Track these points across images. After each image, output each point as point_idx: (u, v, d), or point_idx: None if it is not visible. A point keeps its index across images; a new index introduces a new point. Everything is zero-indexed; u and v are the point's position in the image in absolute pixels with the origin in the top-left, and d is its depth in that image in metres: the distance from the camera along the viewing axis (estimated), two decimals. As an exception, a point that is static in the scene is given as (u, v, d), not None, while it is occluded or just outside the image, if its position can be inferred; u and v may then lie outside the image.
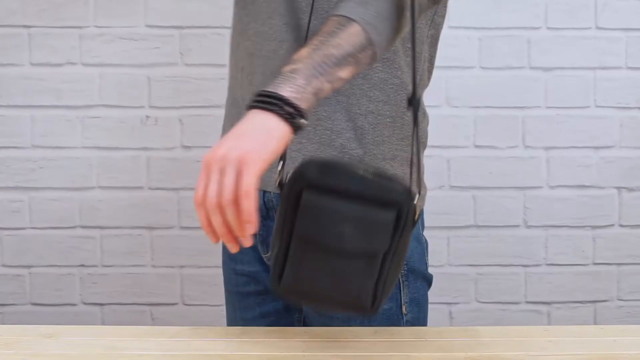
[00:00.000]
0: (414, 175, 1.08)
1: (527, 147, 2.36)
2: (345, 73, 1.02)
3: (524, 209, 2.38)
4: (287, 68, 1.01)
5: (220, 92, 2.30)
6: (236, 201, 0.94)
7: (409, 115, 1.21)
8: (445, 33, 2.31)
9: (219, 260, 2.38)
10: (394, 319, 1.27)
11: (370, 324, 1.22)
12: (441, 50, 2.29)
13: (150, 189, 2.37)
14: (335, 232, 0.95)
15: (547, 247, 2.39)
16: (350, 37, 1.01)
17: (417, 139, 1.05)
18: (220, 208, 0.95)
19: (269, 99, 0.96)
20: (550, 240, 2.38)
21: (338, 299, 0.99)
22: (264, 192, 1.30)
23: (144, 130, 2.35)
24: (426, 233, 2.35)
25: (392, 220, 0.95)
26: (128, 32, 2.34)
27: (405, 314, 1.28)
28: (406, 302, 1.28)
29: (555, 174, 2.37)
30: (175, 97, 2.34)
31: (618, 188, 2.38)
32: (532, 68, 2.35)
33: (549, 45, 2.34)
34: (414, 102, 1.04)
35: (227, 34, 2.29)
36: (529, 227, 2.38)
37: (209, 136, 2.34)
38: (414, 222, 1.00)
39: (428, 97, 2.46)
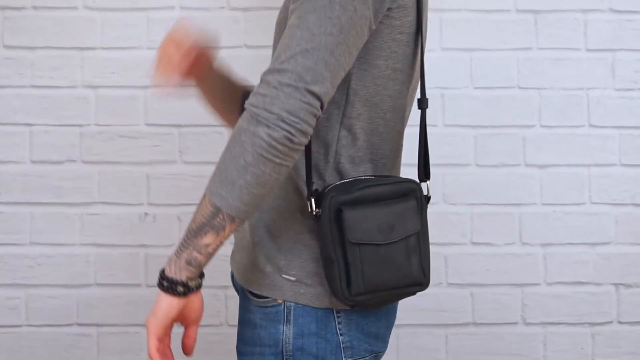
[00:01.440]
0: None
1: (523, 243, 2.37)
2: (207, 239, 1.19)
3: (522, 306, 2.38)
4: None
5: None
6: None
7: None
8: (441, 131, 2.37)
9: (215, 359, 2.37)
10: None
11: None
12: (437, 148, 2.34)
13: (147, 286, 2.36)
14: (380, 230, 1.23)
15: (546, 344, 2.37)
16: (202, 210, 1.18)
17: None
18: None
19: (158, 276, 1.24)
20: (549, 337, 2.37)
21: (400, 282, 1.26)
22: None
23: (142, 227, 2.36)
24: (424, 330, 2.36)
25: (415, 205, 1.28)
26: (128, 130, 2.37)
27: None
28: None
29: (553, 270, 2.37)
30: (174, 195, 2.36)
31: (615, 285, 2.38)
32: (527, 165, 2.38)
33: (544, 142, 2.37)
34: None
35: (226, 132, 2.33)
36: (527, 324, 2.37)
37: (207, 234, 2.35)
38: (428, 201, 1.34)
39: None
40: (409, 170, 2.31)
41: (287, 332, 1.29)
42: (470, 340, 2.37)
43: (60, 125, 2.37)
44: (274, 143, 1.11)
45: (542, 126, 2.38)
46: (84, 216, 2.37)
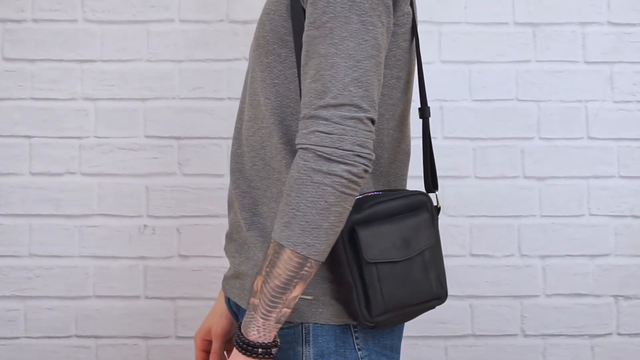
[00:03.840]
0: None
1: (523, 255, 2.37)
2: (297, 292, 1.15)
3: (521, 317, 2.37)
4: (251, 302, 1.18)
5: (218, 202, 2.33)
6: None
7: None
8: (440, 143, 2.38)
9: (215, 370, 2.37)
10: None
11: None
12: (436, 160, 2.34)
13: (146, 298, 2.36)
14: (396, 246, 1.20)
15: (546, 356, 2.37)
16: (286, 264, 1.13)
17: None
18: None
19: (244, 345, 1.17)
20: (548, 349, 2.37)
21: (420, 298, 1.23)
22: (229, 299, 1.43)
23: (141, 239, 2.36)
24: (423, 342, 2.36)
25: (429, 218, 1.25)
26: (127, 142, 2.37)
27: None
28: None
29: (552, 282, 2.37)
30: (173, 207, 2.36)
31: (615, 296, 2.38)
32: (526, 177, 2.38)
33: (542, 155, 2.38)
34: None
35: (225, 144, 2.34)
36: (526, 336, 2.37)
37: (207, 246, 2.35)
38: (438, 212, 1.29)
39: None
40: (413, 182, 2.31)
41: (306, 353, 1.26)
42: (470, 352, 2.37)
43: (59, 138, 2.37)
44: (355, 179, 1.12)
45: (541, 138, 2.38)
46: (83, 228, 2.37)
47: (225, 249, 1.44)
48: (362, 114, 1.12)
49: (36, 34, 2.37)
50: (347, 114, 1.12)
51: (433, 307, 1.28)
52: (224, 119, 2.35)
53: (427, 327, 2.37)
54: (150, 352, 2.36)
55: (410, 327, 2.35)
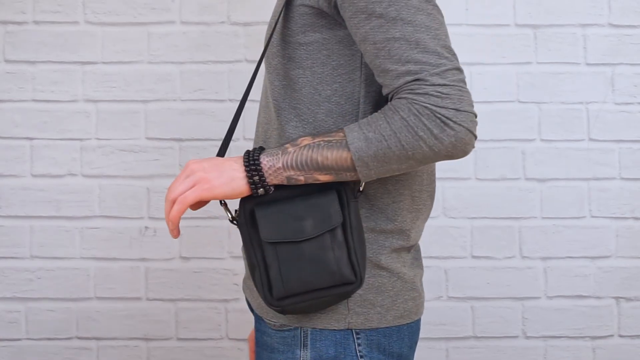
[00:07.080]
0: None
1: (524, 257, 2.37)
2: (322, 178, 1.17)
3: (522, 319, 2.37)
4: (286, 145, 1.19)
5: (218, 204, 2.33)
6: (173, 202, 1.19)
7: None
8: (440, 145, 2.36)
9: (216, 372, 2.37)
10: None
11: None
12: (437, 162, 2.34)
13: (147, 299, 2.36)
14: (294, 227, 1.16)
15: (547, 358, 2.37)
16: (339, 158, 1.14)
17: None
18: (166, 201, 1.20)
19: (252, 161, 1.18)
20: (549, 351, 2.37)
21: (325, 282, 1.16)
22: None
23: (142, 241, 2.36)
24: (425, 344, 2.36)
25: (336, 198, 1.18)
26: (128, 144, 2.37)
27: None
28: None
29: (553, 284, 2.37)
30: (174, 208, 2.35)
31: (616, 298, 2.38)
32: (527, 179, 2.38)
33: (543, 156, 2.38)
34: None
35: (226, 146, 2.33)
36: (528, 337, 2.37)
37: (208, 247, 2.35)
38: (355, 194, 1.21)
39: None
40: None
41: (304, 357, 1.24)
42: (471, 353, 2.37)
43: (60, 139, 2.37)
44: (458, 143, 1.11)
45: (541, 140, 2.38)
46: (84, 230, 2.37)
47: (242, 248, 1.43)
48: (463, 76, 1.14)
49: (37, 35, 2.37)
50: (463, 77, 1.13)
51: (348, 295, 1.20)
52: (224, 120, 2.35)
53: (428, 329, 2.36)
54: (151, 354, 2.36)
55: (411, 329, 2.35)
